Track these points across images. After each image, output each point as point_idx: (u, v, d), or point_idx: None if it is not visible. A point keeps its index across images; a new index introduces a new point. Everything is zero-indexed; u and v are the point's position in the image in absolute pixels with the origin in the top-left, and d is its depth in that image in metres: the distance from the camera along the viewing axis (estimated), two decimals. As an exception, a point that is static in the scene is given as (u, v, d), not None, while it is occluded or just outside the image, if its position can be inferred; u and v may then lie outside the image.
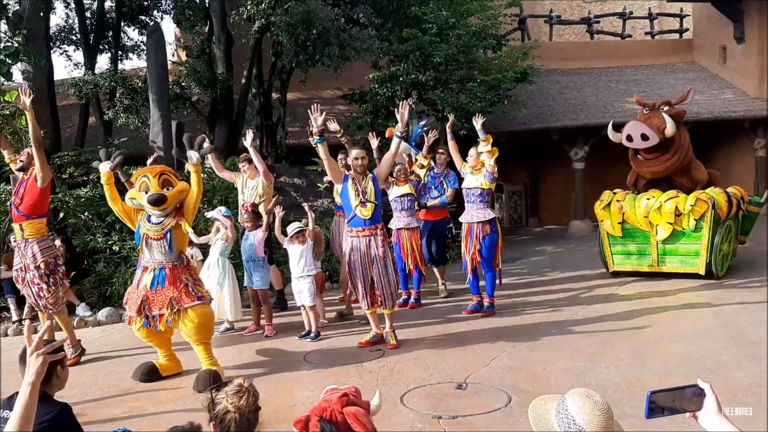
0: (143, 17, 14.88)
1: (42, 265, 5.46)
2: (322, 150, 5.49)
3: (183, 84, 13.60)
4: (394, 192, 7.23)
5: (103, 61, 16.92)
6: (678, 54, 17.80)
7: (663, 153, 8.08)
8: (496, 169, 6.64)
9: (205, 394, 2.13)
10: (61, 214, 8.47)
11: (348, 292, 6.87)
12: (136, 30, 15.42)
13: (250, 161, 7.19)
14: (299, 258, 6.18)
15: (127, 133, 13.45)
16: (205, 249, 7.01)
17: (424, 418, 4.01)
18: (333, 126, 6.62)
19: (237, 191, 7.56)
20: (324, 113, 5.55)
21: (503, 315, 6.77)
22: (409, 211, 7.28)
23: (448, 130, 7.21)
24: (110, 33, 14.74)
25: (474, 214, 6.74)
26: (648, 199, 8.13)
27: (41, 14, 10.56)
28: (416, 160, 7.89)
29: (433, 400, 4.33)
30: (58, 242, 6.97)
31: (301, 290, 6.17)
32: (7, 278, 7.53)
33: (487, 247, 6.68)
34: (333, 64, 12.16)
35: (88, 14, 14.43)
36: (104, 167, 5.15)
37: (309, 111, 5.55)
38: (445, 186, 7.59)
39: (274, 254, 7.51)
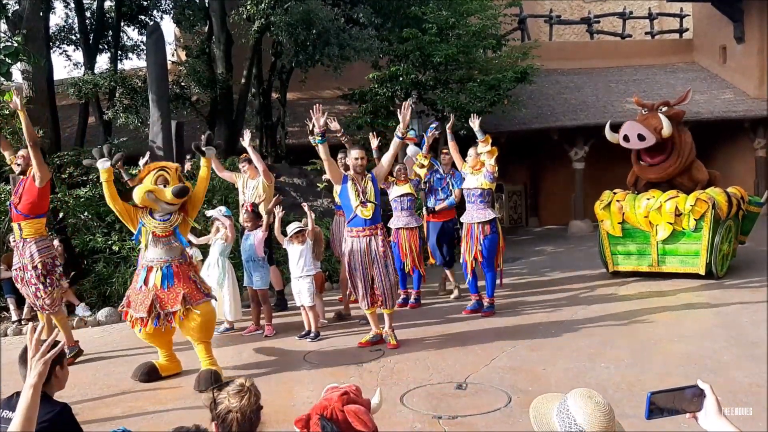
0: (143, 17, 14.88)
1: (39, 266, 5.45)
2: (322, 150, 5.49)
3: (183, 84, 13.60)
4: (394, 192, 7.25)
5: (102, 61, 16.95)
6: (678, 54, 17.80)
7: (666, 158, 8.10)
8: (496, 168, 6.64)
9: (206, 393, 2.13)
10: (61, 214, 8.46)
11: (348, 292, 6.86)
12: (136, 30, 15.42)
13: (250, 161, 7.20)
14: (299, 258, 6.18)
15: (127, 132, 13.45)
16: (205, 249, 7.01)
17: (424, 418, 4.01)
18: (334, 125, 6.63)
19: (237, 191, 7.56)
20: (326, 114, 5.56)
21: (503, 315, 6.77)
22: (408, 211, 7.28)
23: (448, 130, 7.20)
24: (110, 33, 14.74)
25: (474, 214, 6.74)
26: (648, 199, 8.13)
27: (41, 14, 10.57)
28: (416, 160, 7.88)
29: (433, 400, 4.32)
30: (56, 242, 6.96)
31: (301, 290, 6.17)
32: (6, 278, 7.53)
33: (488, 247, 6.68)
34: (333, 64, 12.16)
35: (87, 14, 14.43)
36: (104, 164, 4.92)
37: (311, 111, 5.55)
38: (451, 187, 7.58)
39: (274, 254, 7.50)
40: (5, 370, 4.81)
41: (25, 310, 7.39)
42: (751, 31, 15.23)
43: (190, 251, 6.29)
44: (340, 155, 6.95)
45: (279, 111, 14.92)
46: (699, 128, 13.53)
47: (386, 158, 5.75)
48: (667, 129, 7.87)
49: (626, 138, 8.05)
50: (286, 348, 5.95)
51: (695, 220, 7.81)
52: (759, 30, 14.97)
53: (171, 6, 14.67)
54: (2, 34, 9.13)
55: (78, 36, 14.51)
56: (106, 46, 14.96)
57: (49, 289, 5.52)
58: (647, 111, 8.31)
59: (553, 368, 4.91)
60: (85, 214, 8.78)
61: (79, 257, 8.37)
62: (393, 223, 7.29)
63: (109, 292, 7.96)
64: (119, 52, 14.88)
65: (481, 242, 6.67)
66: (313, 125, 5.54)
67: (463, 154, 7.04)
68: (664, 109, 8.20)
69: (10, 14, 9.35)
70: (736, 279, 8.04)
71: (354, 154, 5.70)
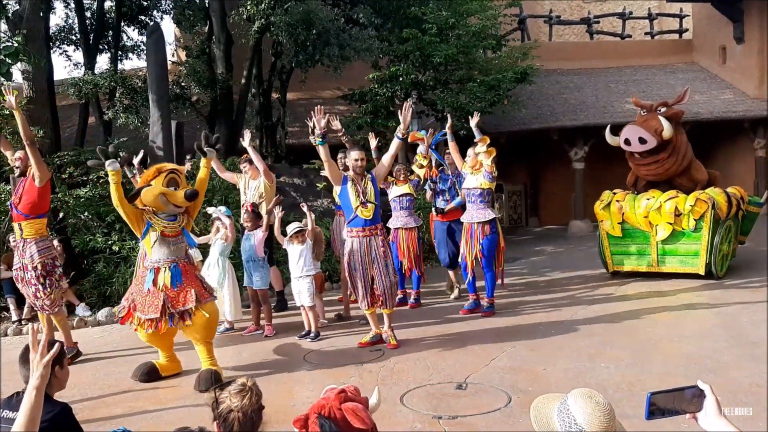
0: (143, 17, 14.89)
1: (39, 266, 5.45)
2: (323, 151, 5.50)
3: (183, 84, 13.60)
4: (394, 191, 7.26)
5: (102, 61, 16.95)
6: (678, 54, 17.81)
7: (658, 154, 8.09)
8: (494, 168, 6.64)
9: (208, 393, 2.13)
10: (61, 214, 8.47)
11: (348, 292, 6.86)
12: (136, 30, 15.43)
13: (251, 162, 7.21)
14: (298, 258, 6.18)
15: (127, 132, 13.46)
16: (205, 249, 7.01)
17: (424, 418, 4.01)
18: (336, 124, 6.63)
19: (237, 191, 7.56)
20: (327, 114, 5.56)
21: (503, 315, 6.77)
22: (407, 211, 7.29)
23: (447, 131, 7.20)
24: (110, 33, 14.74)
25: (474, 214, 6.74)
26: (648, 199, 8.13)
27: (41, 14, 10.57)
28: (416, 160, 7.88)
29: (433, 400, 4.32)
30: (55, 242, 6.97)
31: (301, 290, 6.17)
32: (6, 278, 7.54)
33: (487, 247, 6.68)
34: (333, 64, 12.16)
35: (87, 14, 14.44)
36: (113, 165, 4.75)
37: (312, 113, 5.56)
38: (457, 187, 7.57)
39: (275, 255, 7.50)
40: (5, 370, 4.81)
41: (25, 310, 7.39)
42: (751, 31, 15.23)
43: (190, 251, 6.30)
44: (339, 155, 6.95)
45: (279, 111, 14.93)
46: (699, 128, 13.56)
47: (386, 158, 5.75)
48: (668, 131, 7.88)
49: (627, 141, 8.06)
50: (286, 348, 5.95)
51: (695, 220, 7.82)
52: (759, 30, 14.98)
53: (171, 6, 14.68)
54: (2, 34, 9.13)
55: (78, 36, 14.52)
56: (106, 46, 14.97)
57: (49, 290, 5.52)
58: (646, 112, 8.31)
59: (553, 368, 4.91)
60: (85, 214, 8.78)
61: (79, 257, 8.37)
62: (392, 223, 7.30)
63: (109, 292, 7.96)
64: (119, 52, 14.89)
65: (481, 242, 6.67)
66: (314, 126, 5.54)
67: (464, 154, 7.04)
68: (663, 109, 8.20)
69: (10, 14, 9.36)
70: (736, 279, 8.04)
71: (353, 155, 5.70)
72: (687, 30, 19.34)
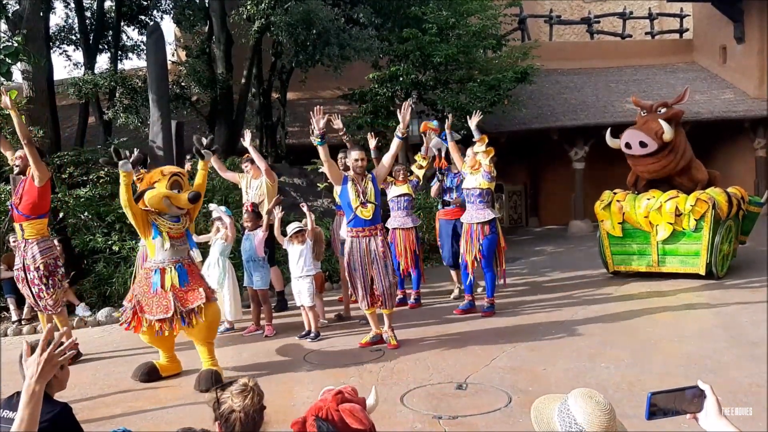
0: (143, 17, 14.88)
1: (41, 267, 5.45)
2: (322, 152, 5.50)
3: (183, 84, 13.60)
4: (392, 192, 7.27)
5: (102, 61, 16.99)
6: (678, 54, 17.81)
7: (657, 153, 8.09)
8: (493, 168, 6.64)
9: (210, 393, 2.13)
10: (61, 214, 8.46)
11: (348, 292, 6.86)
12: (136, 30, 15.43)
13: (253, 161, 7.21)
14: (298, 258, 6.18)
15: (127, 132, 13.45)
16: (204, 249, 7.01)
17: (424, 418, 4.01)
18: (337, 123, 6.63)
19: (236, 191, 7.57)
20: (327, 115, 5.56)
21: (503, 315, 6.77)
22: (405, 211, 7.30)
23: (447, 131, 7.19)
24: (110, 33, 14.74)
25: (474, 214, 6.74)
26: (648, 199, 8.13)
27: (41, 14, 10.57)
28: (415, 160, 7.88)
29: (433, 401, 4.33)
30: (55, 242, 6.96)
31: (301, 290, 6.17)
32: (7, 278, 7.54)
33: (487, 247, 6.68)
34: (333, 64, 12.16)
35: (87, 14, 14.43)
36: (126, 167, 4.74)
37: (311, 113, 5.56)
38: None
39: (275, 255, 7.50)
40: (5, 370, 4.81)
41: (25, 310, 7.40)
42: (751, 31, 15.23)
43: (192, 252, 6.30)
44: (340, 155, 6.95)
45: (279, 111, 14.93)
46: (699, 128, 13.56)
47: (387, 158, 5.75)
48: (668, 134, 7.89)
49: (628, 145, 8.08)
50: (286, 348, 5.96)
51: (695, 220, 7.81)
52: (759, 30, 14.98)
53: (171, 6, 14.68)
54: (2, 34, 9.13)
55: (78, 36, 14.52)
56: (106, 46, 14.96)
57: (52, 290, 5.53)
58: (646, 113, 8.31)
59: (553, 368, 4.91)
60: (85, 214, 8.78)
61: (79, 257, 8.37)
62: (389, 223, 7.30)
63: (109, 292, 7.96)
64: (119, 52, 14.88)
65: (481, 242, 6.67)
66: (315, 126, 5.54)
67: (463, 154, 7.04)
68: (663, 110, 8.19)
69: (10, 14, 9.35)
70: (736, 279, 8.04)
71: (354, 155, 5.71)
72: (687, 30, 19.34)
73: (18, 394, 2.54)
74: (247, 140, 7.17)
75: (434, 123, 7.55)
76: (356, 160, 5.67)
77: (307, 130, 5.74)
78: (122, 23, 14.76)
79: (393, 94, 12.36)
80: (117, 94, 12.85)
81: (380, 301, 5.74)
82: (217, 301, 6.17)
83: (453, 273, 7.88)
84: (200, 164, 5.28)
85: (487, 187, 6.72)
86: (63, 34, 14.89)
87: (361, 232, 5.62)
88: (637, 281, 8.23)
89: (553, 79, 16.43)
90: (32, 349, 2.53)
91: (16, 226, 5.62)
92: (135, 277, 6.27)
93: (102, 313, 7.51)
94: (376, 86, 12.55)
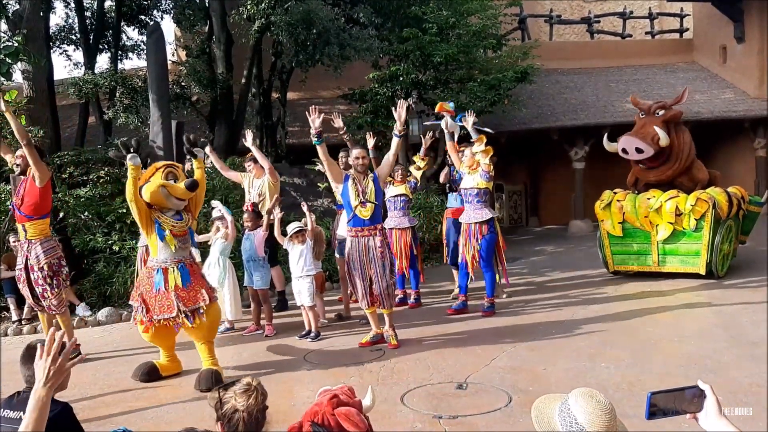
0: (143, 17, 14.90)
1: (45, 267, 5.45)
2: (321, 151, 5.49)
3: (183, 84, 13.61)
4: (390, 191, 7.27)
5: (102, 61, 17.00)
6: (678, 54, 17.81)
7: (664, 162, 8.11)
8: (491, 167, 6.63)
9: (212, 393, 2.11)
10: (61, 214, 8.46)
11: (348, 292, 6.86)
12: (136, 30, 15.45)
13: (256, 161, 7.21)
14: (299, 258, 6.18)
15: (127, 132, 13.45)
16: (205, 249, 7.02)
17: (424, 418, 4.01)
18: (338, 123, 6.62)
19: (236, 191, 7.57)
20: (322, 114, 5.54)
21: (503, 315, 6.77)
22: (401, 212, 7.31)
23: (446, 130, 7.18)
24: (110, 33, 14.75)
25: (472, 214, 6.74)
26: (648, 198, 8.13)
27: (41, 14, 10.58)
28: (414, 161, 7.87)
29: (433, 400, 4.32)
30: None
31: (301, 290, 6.17)
32: (7, 278, 7.54)
33: (485, 247, 6.68)
34: (333, 63, 12.16)
35: (88, 14, 14.45)
36: (134, 160, 4.70)
37: (307, 113, 5.55)
38: None
39: (277, 255, 7.49)
40: (5, 370, 4.81)
41: (25, 310, 7.40)
42: (751, 30, 15.23)
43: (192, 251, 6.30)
44: (341, 154, 6.95)
45: (279, 111, 14.94)
46: (699, 128, 13.54)
47: (389, 158, 5.72)
48: (664, 139, 7.91)
49: (625, 151, 8.11)
50: (286, 348, 5.96)
51: (696, 219, 7.81)
52: (759, 30, 14.98)
53: (171, 6, 14.69)
54: (2, 34, 9.12)
55: (78, 36, 14.53)
56: (106, 46, 14.98)
57: (57, 290, 5.53)
58: (644, 114, 8.31)
59: (553, 368, 4.91)
60: (86, 213, 8.78)
61: (79, 257, 8.36)
62: (386, 223, 7.29)
63: (109, 291, 7.96)
64: (119, 52, 14.90)
65: (479, 242, 6.67)
66: (311, 126, 5.53)
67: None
68: (661, 112, 8.18)
69: (10, 14, 9.36)
70: (736, 279, 8.04)
71: (355, 153, 5.70)
72: (687, 29, 19.34)
73: (18, 393, 2.55)
74: (249, 140, 7.17)
75: (450, 105, 7.46)
76: (357, 158, 5.66)
77: (308, 129, 5.72)
78: (122, 23, 14.77)
79: (393, 93, 12.37)
80: (117, 94, 12.86)
81: (379, 301, 5.74)
82: (218, 301, 6.19)
83: (455, 272, 7.88)
84: (195, 163, 5.23)
85: (485, 187, 6.72)
86: (63, 33, 14.91)
87: (360, 231, 5.62)
88: (637, 281, 8.23)
89: (553, 78, 16.43)
90: (32, 348, 2.53)
91: (19, 226, 5.61)
92: (140, 276, 6.26)
93: (102, 313, 7.51)
94: (376, 86, 12.55)
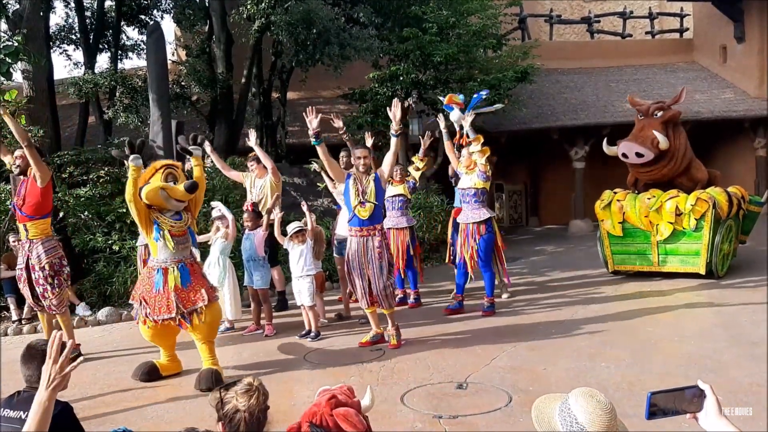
0: (143, 17, 14.90)
1: (47, 266, 5.45)
2: (321, 151, 5.49)
3: (183, 83, 13.61)
4: (389, 191, 7.25)
5: (102, 61, 17.01)
6: (678, 53, 17.82)
7: (657, 162, 8.10)
8: (488, 167, 6.63)
9: (213, 393, 2.10)
10: (61, 214, 8.46)
11: (348, 291, 6.86)
12: (136, 29, 15.45)
13: (258, 160, 7.21)
14: (299, 257, 6.18)
15: (127, 132, 13.45)
16: (205, 248, 7.02)
17: (424, 418, 4.01)
18: (338, 123, 6.62)
19: (237, 190, 7.56)
20: (320, 115, 5.53)
21: (503, 315, 6.77)
22: (399, 212, 7.32)
23: (443, 130, 7.18)
24: (110, 32, 14.75)
25: (469, 214, 6.74)
26: (648, 198, 8.13)
27: (41, 14, 10.58)
28: (412, 161, 7.87)
29: (433, 400, 4.32)
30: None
31: (301, 290, 6.17)
32: (7, 278, 7.54)
33: (483, 247, 6.68)
34: (333, 63, 12.16)
35: (87, 14, 14.45)
36: (136, 161, 4.70)
37: (304, 114, 5.55)
38: None
39: (277, 255, 7.49)
40: (5, 370, 4.82)
41: (25, 309, 7.40)
42: (752, 30, 15.24)
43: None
44: (342, 154, 6.95)
45: (279, 110, 14.94)
46: (699, 128, 13.56)
47: (389, 157, 5.68)
48: (663, 143, 7.91)
49: (625, 155, 8.12)
50: (286, 348, 5.95)
51: (696, 219, 7.81)
52: (759, 30, 14.98)
53: (171, 5, 14.69)
54: (2, 34, 9.12)
55: (78, 35, 14.54)
56: (106, 46, 14.99)
57: (58, 289, 5.53)
58: (642, 116, 8.31)
59: (553, 368, 4.91)
60: (86, 213, 8.78)
61: (79, 257, 8.36)
62: (384, 223, 7.28)
63: (109, 291, 7.96)
64: (119, 52, 14.90)
65: (477, 242, 6.67)
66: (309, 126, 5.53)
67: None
68: (659, 114, 8.18)
69: (10, 14, 9.36)
70: (736, 279, 8.04)
71: (357, 153, 5.69)
72: (687, 29, 19.35)
73: (18, 393, 2.55)
74: (252, 140, 7.16)
75: (460, 97, 7.42)
76: (359, 157, 5.64)
77: (308, 129, 5.71)
78: (122, 23, 14.77)
79: (393, 93, 12.37)
80: (117, 94, 12.86)
81: (378, 301, 5.73)
82: (218, 301, 6.19)
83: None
84: (193, 161, 5.19)
85: (482, 187, 6.72)
86: (63, 33, 14.91)
87: (359, 231, 5.61)
88: (637, 281, 8.23)
89: (553, 78, 16.43)
90: (32, 348, 2.53)
91: (20, 226, 5.61)
92: (140, 275, 6.25)
93: (102, 313, 7.51)
94: (377, 86, 12.56)
